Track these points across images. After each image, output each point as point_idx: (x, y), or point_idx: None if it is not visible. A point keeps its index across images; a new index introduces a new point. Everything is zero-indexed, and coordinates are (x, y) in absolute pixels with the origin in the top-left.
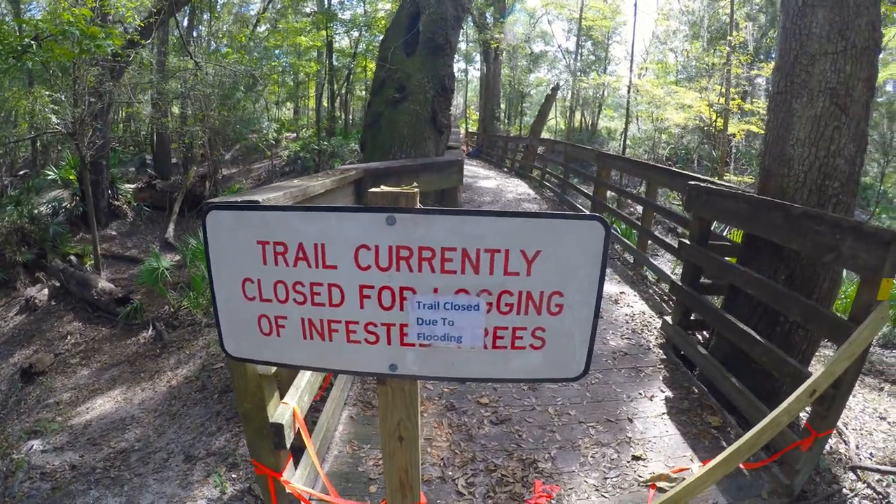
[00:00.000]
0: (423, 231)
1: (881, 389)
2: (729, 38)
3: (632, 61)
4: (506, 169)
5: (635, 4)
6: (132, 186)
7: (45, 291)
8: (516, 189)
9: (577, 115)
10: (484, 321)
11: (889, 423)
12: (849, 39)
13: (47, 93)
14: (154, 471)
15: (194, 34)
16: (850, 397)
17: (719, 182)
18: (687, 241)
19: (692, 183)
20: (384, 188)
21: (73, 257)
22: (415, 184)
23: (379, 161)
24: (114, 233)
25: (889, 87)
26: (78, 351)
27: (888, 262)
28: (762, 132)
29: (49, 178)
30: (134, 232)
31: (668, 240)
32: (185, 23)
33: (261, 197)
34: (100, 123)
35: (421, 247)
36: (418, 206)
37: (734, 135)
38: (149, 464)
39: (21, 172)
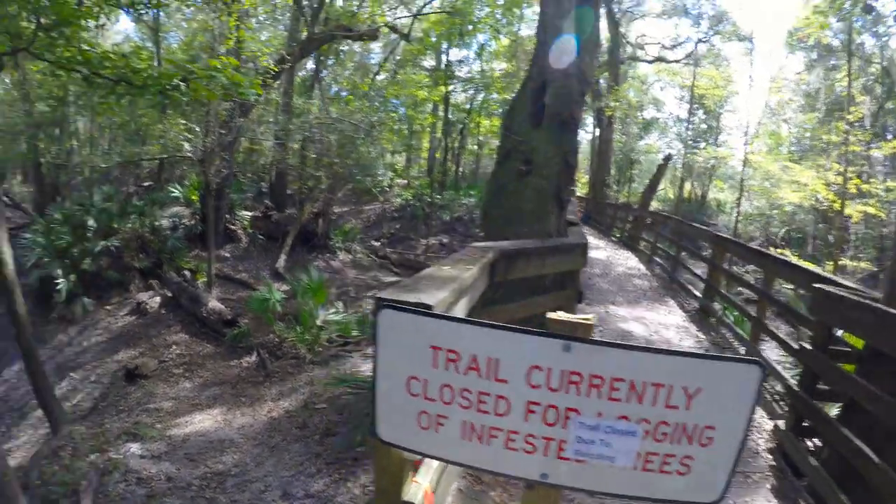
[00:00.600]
0: (596, 360)
1: None
2: (847, 115)
3: (746, 135)
4: (614, 238)
5: (750, 76)
6: (249, 214)
7: (157, 299)
8: (626, 262)
9: (687, 185)
10: (638, 446)
11: None
12: None
13: (182, 121)
14: (250, 501)
15: (320, 75)
16: None
17: (847, 285)
18: (808, 346)
19: (819, 286)
20: (562, 315)
21: (186, 272)
22: (545, 266)
23: (501, 231)
24: (227, 255)
25: None
26: (182, 362)
27: None
28: (881, 214)
29: (172, 195)
30: (246, 257)
31: (780, 333)
32: (311, 65)
33: (430, 297)
34: (226, 154)
35: (592, 374)
36: (593, 336)
37: (851, 217)
38: (245, 492)
39: (145, 184)
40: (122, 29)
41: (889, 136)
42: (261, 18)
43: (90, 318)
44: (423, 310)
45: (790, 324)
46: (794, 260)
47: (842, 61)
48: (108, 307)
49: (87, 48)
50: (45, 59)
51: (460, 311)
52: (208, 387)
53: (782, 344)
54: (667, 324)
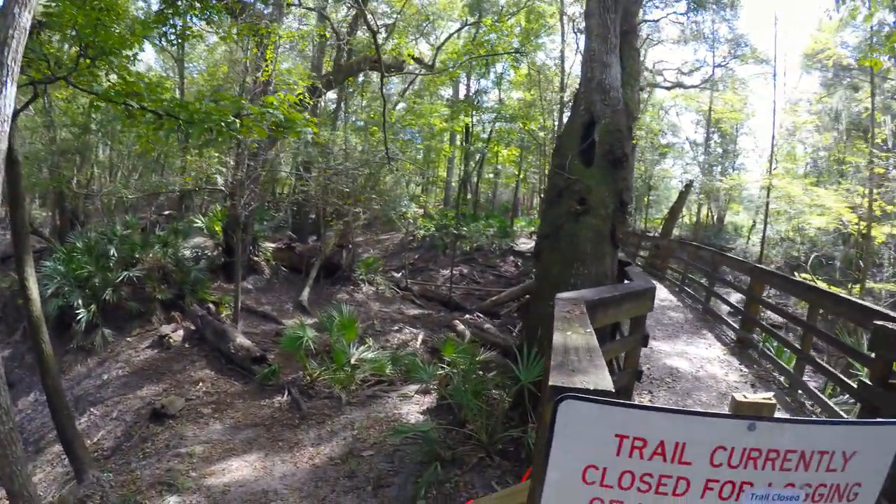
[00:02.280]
0: (777, 437)
1: None
2: (870, 136)
3: (771, 158)
4: (637, 265)
5: (774, 101)
6: (272, 246)
7: (181, 332)
8: (657, 293)
9: (704, 209)
10: None
11: None
12: None
13: (216, 154)
14: None
15: (343, 107)
16: None
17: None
18: (867, 381)
19: (879, 324)
20: (749, 397)
21: (210, 305)
22: (620, 313)
23: (561, 274)
24: (250, 286)
25: None
26: (210, 401)
27: None
28: None
29: (195, 225)
30: (269, 289)
31: (821, 360)
32: (332, 96)
33: (603, 380)
34: (255, 186)
35: (770, 449)
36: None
37: (875, 239)
38: None
39: (165, 212)
40: (143, 57)
41: None
42: (283, 49)
43: (110, 349)
44: (606, 398)
45: (819, 350)
46: (841, 292)
47: (856, 79)
48: (128, 339)
49: (132, 80)
50: (87, 91)
51: None
52: (241, 429)
53: (835, 380)
54: (709, 358)
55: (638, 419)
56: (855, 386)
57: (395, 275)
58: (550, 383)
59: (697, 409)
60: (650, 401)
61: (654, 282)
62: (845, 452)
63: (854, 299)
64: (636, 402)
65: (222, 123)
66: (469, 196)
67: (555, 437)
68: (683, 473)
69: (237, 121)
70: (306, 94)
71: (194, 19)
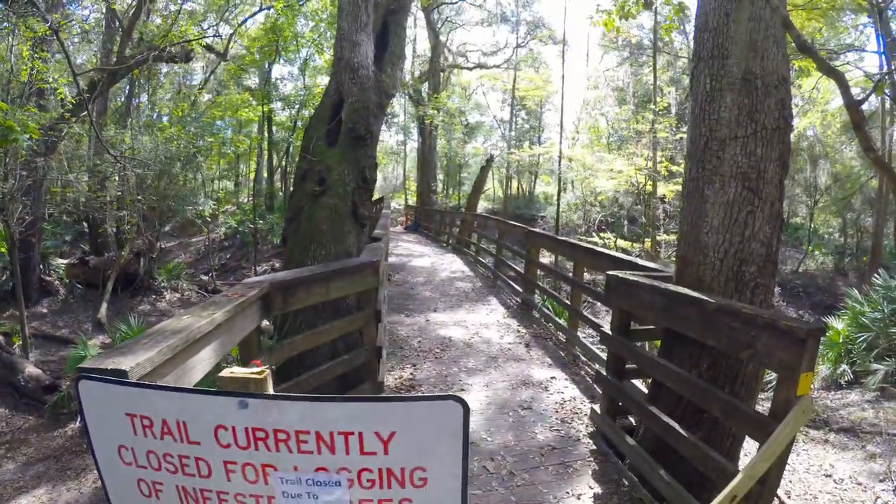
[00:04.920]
0: (275, 415)
1: (826, 441)
2: (651, 106)
3: (561, 131)
4: (443, 243)
5: (562, 76)
6: (65, 262)
7: None
8: (451, 266)
9: (514, 183)
10: (348, 496)
11: (835, 481)
12: (758, 122)
13: None
14: None
15: (134, 102)
16: (794, 455)
17: (648, 266)
18: (608, 332)
19: (610, 273)
20: (235, 372)
21: (0, 336)
22: (330, 291)
23: (301, 256)
24: (44, 310)
25: (810, 132)
26: (3, 441)
27: (805, 359)
28: None
29: None
30: (66, 310)
31: (598, 320)
32: (126, 91)
33: (132, 361)
34: (30, 199)
35: (276, 429)
36: (269, 391)
37: (664, 196)
38: None
39: None
40: None
41: None
42: (75, 41)
43: None
44: (116, 378)
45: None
46: (600, 246)
47: (647, 57)
48: None
49: None
50: None
51: (200, 362)
52: (32, 465)
53: (595, 328)
54: (487, 323)
55: (140, 397)
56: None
57: (204, 277)
58: (81, 364)
59: (462, 376)
60: (411, 374)
61: (454, 255)
62: (379, 433)
63: (609, 252)
64: (152, 385)
65: None
66: (281, 188)
67: (86, 419)
68: (199, 454)
69: None
70: (67, 92)
71: None
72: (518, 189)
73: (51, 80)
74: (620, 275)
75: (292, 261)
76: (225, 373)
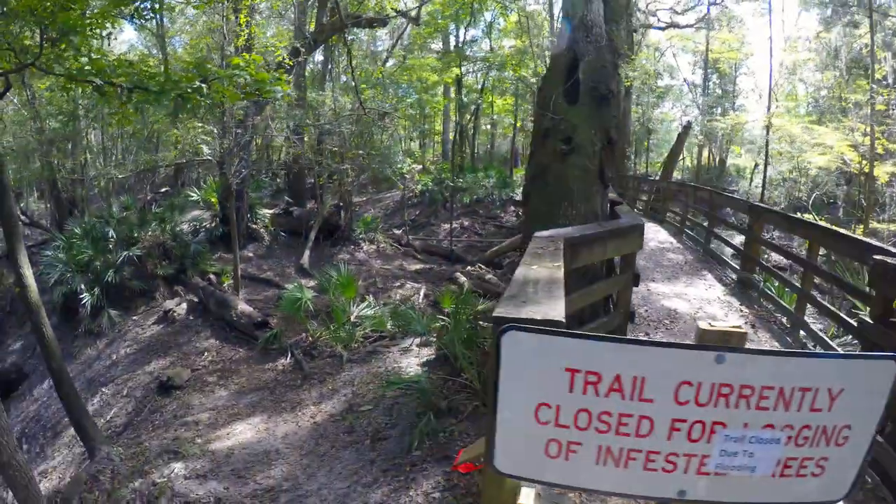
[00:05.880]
0: (749, 371)
1: None
2: (870, 72)
3: (770, 96)
4: (638, 210)
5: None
6: (269, 212)
7: (184, 306)
8: (656, 236)
9: (705, 152)
10: (780, 453)
11: None
12: None
13: (199, 125)
14: None
15: (329, 67)
16: None
17: None
18: (868, 320)
19: (878, 258)
20: (715, 325)
21: (211, 276)
22: (607, 251)
23: (548, 215)
24: (250, 255)
25: None
26: (215, 369)
27: None
28: None
29: (191, 199)
30: (270, 255)
31: (825, 302)
32: (320, 57)
33: (554, 310)
34: (244, 154)
35: (742, 384)
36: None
37: (878, 178)
38: None
39: (162, 190)
40: (126, 39)
41: None
42: (265, 14)
43: (117, 329)
44: (555, 329)
45: (823, 291)
46: (842, 230)
47: (857, 17)
48: (134, 317)
49: (97, 57)
50: (54, 73)
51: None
52: (245, 394)
53: (836, 319)
54: (709, 299)
55: (589, 351)
56: (856, 325)
57: (396, 232)
58: (495, 314)
59: None
60: None
61: (656, 224)
62: (831, 390)
63: (854, 235)
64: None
65: (189, 90)
66: (466, 149)
67: (501, 374)
68: (646, 412)
69: (203, 86)
70: (285, 55)
71: None
72: (709, 159)
73: (267, 44)
74: (890, 261)
75: (537, 220)
76: (703, 325)
